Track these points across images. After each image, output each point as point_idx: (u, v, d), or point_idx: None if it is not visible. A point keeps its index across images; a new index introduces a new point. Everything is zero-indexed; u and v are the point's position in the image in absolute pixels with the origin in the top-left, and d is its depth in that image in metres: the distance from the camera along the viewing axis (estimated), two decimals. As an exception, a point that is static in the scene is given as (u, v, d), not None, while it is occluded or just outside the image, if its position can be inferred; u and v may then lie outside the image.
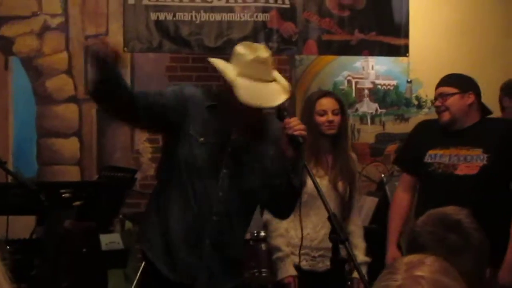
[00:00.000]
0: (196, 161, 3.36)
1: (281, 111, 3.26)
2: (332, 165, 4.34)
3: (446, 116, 4.26)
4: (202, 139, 3.37)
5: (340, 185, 4.31)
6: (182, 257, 3.39)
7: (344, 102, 4.59)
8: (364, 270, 4.08)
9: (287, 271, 4.22)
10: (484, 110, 4.35)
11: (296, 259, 4.17)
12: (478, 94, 4.31)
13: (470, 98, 4.26)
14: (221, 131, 3.39)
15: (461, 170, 4.19)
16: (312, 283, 4.19)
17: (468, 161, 4.20)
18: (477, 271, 2.02)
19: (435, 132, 4.38)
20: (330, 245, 3.89)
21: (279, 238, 4.27)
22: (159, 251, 3.42)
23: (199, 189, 3.37)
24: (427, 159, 4.30)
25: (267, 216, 4.30)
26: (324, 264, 4.22)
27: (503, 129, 4.30)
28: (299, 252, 4.09)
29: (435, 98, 4.36)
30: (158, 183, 3.61)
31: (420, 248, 2.00)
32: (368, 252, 4.39)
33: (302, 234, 4.03)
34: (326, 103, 4.35)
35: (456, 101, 4.24)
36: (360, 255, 4.23)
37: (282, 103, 3.21)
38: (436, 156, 4.28)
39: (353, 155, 4.52)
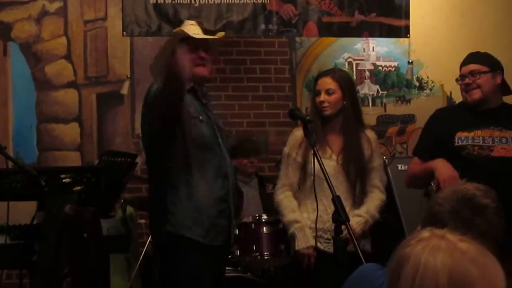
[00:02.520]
0: (204, 137, 3.83)
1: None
2: (341, 147, 4.29)
3: (477, 94, 4.19)
4: (201, 117, 3.84)
5: (350, 168, 4.27)
6: (215, 223, 3.81)
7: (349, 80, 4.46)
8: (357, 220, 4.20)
9: (308, 240, 4.20)
10: (506, 89, 4.31)
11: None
12: (503, 74, 4.28)
13: (499, 78, 4.23)
14: (203, 108, 3.91)
15: (498, 152, 4.13)
16: (325, 263, 4.13)
17: (504, 143, 4.14)
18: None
19: (458, 115, 4.30)
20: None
21: (293, 213, 4.26)
22: (194, 224, 3.77)
23: (214, 161, 3.85)
24: (458, 142, 4.20)
25: (278, 196, 4.29)
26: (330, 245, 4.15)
27: None
28: (315, 234, 4.13)
29: (463, 76, 4.26)
30: (161, 171, 3.81)
31: (439, 223, 2.01)
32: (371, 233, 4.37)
33: (317, 215, 4.03)
34: (320, 83, 4.33)
35: (488, 80, 4.19)
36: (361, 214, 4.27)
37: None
38: (468, 138, 4.19)
39: (370, 134, 4.44)
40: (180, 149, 3.76)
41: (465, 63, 4.31)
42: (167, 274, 3.85)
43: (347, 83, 4.35)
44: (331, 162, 4.20)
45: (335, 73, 4.41)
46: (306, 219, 4.24)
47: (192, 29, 3.97)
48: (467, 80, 4.22)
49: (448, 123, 4.28)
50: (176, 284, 3.81)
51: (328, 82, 4.28)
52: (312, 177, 4.06)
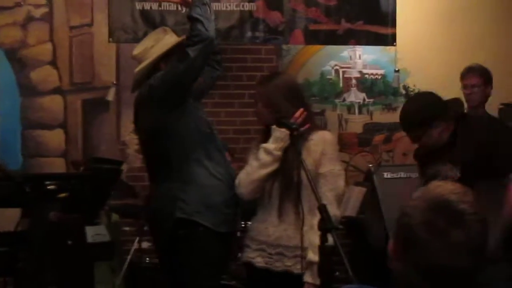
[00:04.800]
0: (203, 124, 4.02)
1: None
2: None
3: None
4: (196, 104, 4.04)
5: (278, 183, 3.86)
6: (222, 210, 3.92)
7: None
8: (314, 270, 3.58)
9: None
10: None
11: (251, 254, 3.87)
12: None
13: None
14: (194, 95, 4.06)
15: None
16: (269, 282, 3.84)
17: None
18: (472, 267, 1.78)
19: None
20: (289, 243, 3.75)
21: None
22: (203, 210, 3.87)
23: (218, 149, 4.04)
24: None
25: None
26: (281, 264, 3.80)
27: None
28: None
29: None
30: (168, 159, 3.95)
31: (410, 237, 1.78)
32: (357, 242, 4.31)
33: (303, 222, 3.60)
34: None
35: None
36: (311, 254, 3.65)
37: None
38: None
39: (321, 135, 3.87)
40: (187, 134, 3.92)
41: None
42: (178, 261, 3.91)
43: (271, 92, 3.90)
44: None
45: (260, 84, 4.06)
46: (254, 229, 3.93)
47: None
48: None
49: None
50: (192, 269, 3.88)
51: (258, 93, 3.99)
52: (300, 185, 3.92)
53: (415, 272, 1.77)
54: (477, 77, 5.51)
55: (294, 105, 3.83)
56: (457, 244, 1.75)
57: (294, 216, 3.76)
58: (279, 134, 3.78)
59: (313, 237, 3.47)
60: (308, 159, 3.64)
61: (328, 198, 3.58)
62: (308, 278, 3.69)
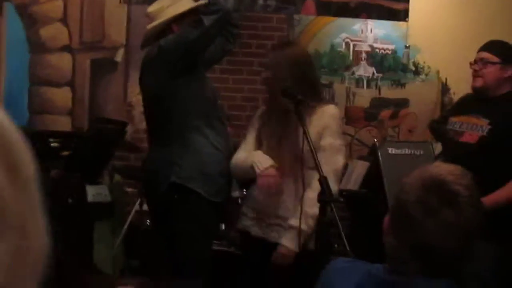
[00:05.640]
0: (208, 93, 4.05)
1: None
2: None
3: (478, 83, 4.25)
4: (203, 72, 4.10)
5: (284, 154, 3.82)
6: (217, 180, 3.94)
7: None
8: (291, 234, 3.65)
9: (267, 160, 3.76)
10: None
11: (249, 222, 3.88)
12: None
13: (509, 71, 4.24)
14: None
15: (464, 138, 4.23)
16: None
17: (472, 130, 4.23)
18: (461, 249, 1.79)
19: (464, 101, 4.52)
20: (286, 214, 3.73)
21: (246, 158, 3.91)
22: (199, 177, 3.89)
23: (218, 115, 4.06)
24: (448, 126, 4.39)
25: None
26: (277, 234, 3.78)
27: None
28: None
29: (475, 61, 4.31)
30: (169, 124, 3.97)
31: (404, 214, 1.80)
32: (357, 216, 4.31)
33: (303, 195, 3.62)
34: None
35: (495, 71, 4.22)
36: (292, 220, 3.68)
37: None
38: (453, 123, 4.36)
39: (326, 109, 3.83)
40: (190, 101, 3.94)
41: (480, 48, 4.37)
42: (171, 224, 3.94)
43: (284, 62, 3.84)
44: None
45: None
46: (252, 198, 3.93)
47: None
48: (475, 66, 4.28)
49: (453, 108, 4.59)
50: (183, 233, 3.91)
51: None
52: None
53: (404, 248, 1.78)
54: None
55: (301, 77, 3.79)
56: (448, 225, 1.75)
57: (293, 187, 3.76)
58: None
59: (304, 206, 3.56)
60: (311, 131, 3.59)
61: (325, 171, 3.41)
62: (284, 241, 3.67)
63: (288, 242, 3.68)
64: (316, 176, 3.41)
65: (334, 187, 3.47)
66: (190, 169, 3.92)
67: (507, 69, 4.23)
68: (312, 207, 3.50)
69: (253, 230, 3.85)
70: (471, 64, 4.35)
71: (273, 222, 3.79)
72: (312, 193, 3.48)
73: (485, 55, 4.26)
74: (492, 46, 4.32)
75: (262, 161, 3.74)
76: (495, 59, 4.23)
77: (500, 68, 4.22)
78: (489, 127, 4.15)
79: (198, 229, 3.90)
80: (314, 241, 3.52)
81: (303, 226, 3.60)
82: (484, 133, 4.15)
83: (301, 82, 3.77)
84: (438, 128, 4.60)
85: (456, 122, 4.33)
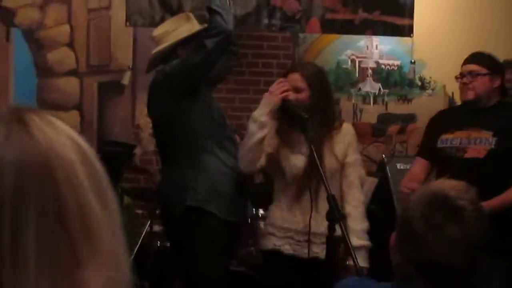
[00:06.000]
0: (215, 113, 4.07)
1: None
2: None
3: (471, 95, 4.21)
4: (209, 92, 4.12)
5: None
6: (232, 199, 3.99)
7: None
8: (361, 254, 3.73)
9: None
10: (503, 92, 4.33)
11: (278, 242, 3.91)
12: (503, 76, 4.31)
13: (498, 81, 4.24)
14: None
15: (470, 153, 4.15)
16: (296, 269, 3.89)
17: (477, 144, 4.17)
18: (467, 264, 1.78)
19: (450, 116, 4.41)
20: (317, 230, 3.77)
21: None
22: (214, 198, 3.94)
23: (229, 139, 4.09)
24: (440, 144, 4.26)
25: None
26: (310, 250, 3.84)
27: None
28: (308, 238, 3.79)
29: (462, 74, 4.28)
30: (180, 147, 4.01)
31: (411, 231, 1.80)
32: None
33: (311, 214, 3.73)
34: (290, 79, 3.94)
35: (485, 82, 4.20)
36: (354, 239, 3.74)
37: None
38: (448, 140, 4.25)
39: (345, 127, 4.01)
40: (199, 123, 3.98)
41: (466, 61, 4.34)
42: (187, 246, 3.97)
43: (313, 80, 3.94)
44: (300, 161, 3.89)
45: (303, 68, 4.04)
46: (278, 217, 3.95)
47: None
48: (464, 80, 4.25)
49: (438, 125, 4.37)
50: (199, 255, 3.94)
51: (295, 79, 3.91)
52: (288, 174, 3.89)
53: (410, 266, 1.78)
54: None
55: (331, 96, 4.09)
56: (453, 240, 1.75)
57: (315, 202, 3.80)
58: (265, 100, 3.85)
59: (351, 223, 3.80)
60: (336, 149, 3.89)
61: (356, 184, 3.94)
62: (361, 263, 3.69)
63: (363, 263, 3.76)
64: (350, 192, 3.88)
65: (361, 197, 3.98)
66: (204, 191, 3.95)
67: (496, 79, 4.22)
68: (362, 222, 3.88)
69: (285, 249, 3.90)
70: (457, 78, 4.33)
71: (303, 239, 3.85)
72: (353, 208, 3.86)
73: (474, 67, 4.23)
74: (478, 58, 4.30)
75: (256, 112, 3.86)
76: (484, 70, 4.20)
77: (489, 79, 4.20)
78: (495, 138, 4.12)
79: (214, 249, 3.93)
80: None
81: (365, 242, 3.85)
82: (492, 146, 4.11)
83: (331, 100, 4.09)
84: (432, 151, 4.30)
85: (453, 139, 4.23)
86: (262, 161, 3.88)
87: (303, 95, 3.88)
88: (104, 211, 0.81)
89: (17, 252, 0.75)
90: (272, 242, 3.92)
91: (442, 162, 4.23)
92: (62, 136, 0.82)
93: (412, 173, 4.46)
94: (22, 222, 0.76)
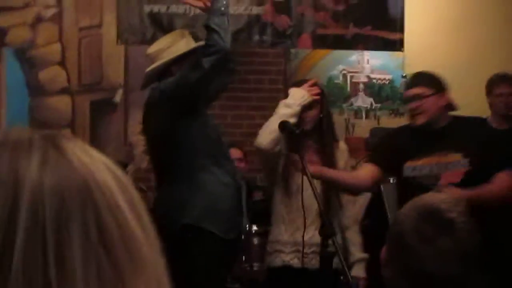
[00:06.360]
0: (212, 131, 4.07)
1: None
2: (315, 161, 4.09)
3: (422, 119, 4.05)
4: (205, 110, 4.09)
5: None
6: (229, 216, 3.97)
7: (335, 94, 4.44)
8: (361, 266, 4.05)
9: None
10: (451, 108, 4.19)
11: (286, 257, 4.04)
12: (448, 92, 4.16)
13: (445, 98, 4.11)
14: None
15: (444, 180, 3.99)
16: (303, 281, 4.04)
17: (449, 168, 4.03)
18: (461, 275, 1.79)
19: (408, 141, 4.16)
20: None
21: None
22: (211, 216, 3.91)
23: (223, 152, 4.10)
24: (407, 173, 4.10)
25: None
26: (317, 261, 3.96)
27: (479, 130, 4.20)
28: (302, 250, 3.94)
29: (407, 100, 4.16)
30: (178, 165, 3.98)
31: (402, 244, 1.81)
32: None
33: (304, 228, 3.84)
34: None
35: (433, 102, 4.05)
36: (356, 252, 4.11)
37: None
38: (416, 168, 4.08)
39: (342, 146, 4.31)
40: (196, 141, 3.97)
41: (409, 86, 4.23)
42: (184, 264, 3.92)
43: (323, 96, 4.19)
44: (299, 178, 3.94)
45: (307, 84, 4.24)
46: (283, 232, 4.09)
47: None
48: (412, 105, 4.10)
49: (401, 148, 4.15)
50: (197, 273, 3.92)
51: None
52: (301, 193, 3.95)
53: (403, 279, 1.78)
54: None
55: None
56: (445, 252, 1.76)
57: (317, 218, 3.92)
58: (297, 94, 4.06)
59: (351, 236, 4.12)
60: (340, 164, 4.17)
61: (352, 199, 4.27)
62: (361, 274, 4.06)
63: (362, 274, 4.08)
64: (347, 205, 4.17)
65: (356, 210, 4.39)
66: (201, 209, 3.93)
67: (442, 97, 4.07)
68: (360, 236, 4.18)
69: (294, 263, 4.02)
70: (406, 101, 4.23)
71: (310, 251, 3.97)
72: (352, 222, 4.21)
73: (418, 90, 4.06)
74: (421, 80, 4.16)
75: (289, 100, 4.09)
76: (429, 91, 4.04)
77: (437, 98, 4.04)
78: (467, 159, 3.98)
79: (211, 267, 3.92)
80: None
81: (366, 255, 4.13)
82: (467, 167, 3.98)
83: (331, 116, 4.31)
84: (399, 177, 4.16)
85: (422, 166, 4.06)
86: (282, 148, 4.04)
87: (311, 112, 4.10)
88: (144, 233, 0.83)
89: (63, 277, 0.76)
90: (281, 259, 4.05)
91: (415, 192, 4.05)
92: (97, 162, 0.83)
93: (359, 176, 4.28)
94: (66, 247, 0.77)
